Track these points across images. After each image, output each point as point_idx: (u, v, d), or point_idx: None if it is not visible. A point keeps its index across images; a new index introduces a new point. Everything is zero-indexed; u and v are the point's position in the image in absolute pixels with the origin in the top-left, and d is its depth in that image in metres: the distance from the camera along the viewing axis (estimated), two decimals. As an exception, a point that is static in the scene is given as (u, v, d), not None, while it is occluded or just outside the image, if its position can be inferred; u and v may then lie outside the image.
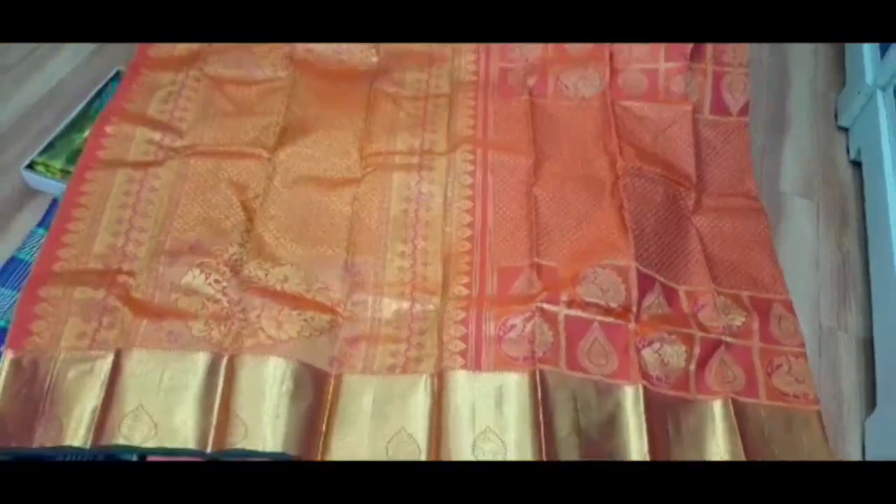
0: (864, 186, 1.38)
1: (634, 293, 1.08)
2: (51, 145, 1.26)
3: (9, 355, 0.96)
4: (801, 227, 1.36)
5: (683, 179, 1.28)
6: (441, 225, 1.18)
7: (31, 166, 1.24)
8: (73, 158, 1.23)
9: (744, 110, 1.39)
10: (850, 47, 1.65)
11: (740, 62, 1.42)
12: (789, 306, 1.15)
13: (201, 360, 0.99)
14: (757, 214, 1.27)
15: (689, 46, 1.40)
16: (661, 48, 1.40)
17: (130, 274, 1.07)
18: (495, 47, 1.44)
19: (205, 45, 1.41)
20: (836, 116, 1.57)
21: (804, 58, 1.71)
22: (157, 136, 1.25)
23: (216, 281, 1.07)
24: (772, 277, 1.19)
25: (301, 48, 1.41)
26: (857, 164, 1.45)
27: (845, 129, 1.54)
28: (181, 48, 1.41)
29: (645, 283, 1.11)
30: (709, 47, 1.41)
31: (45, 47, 1.51)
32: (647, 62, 1.41)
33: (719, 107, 1.39)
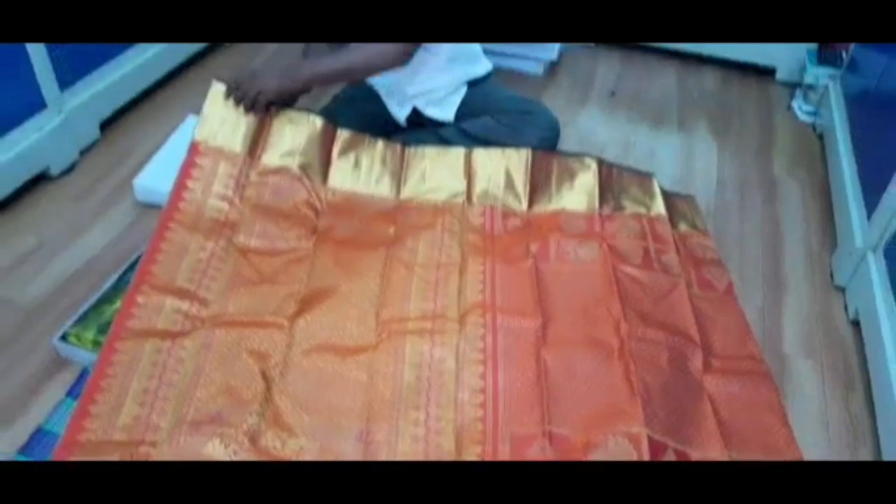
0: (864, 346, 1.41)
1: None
2: (83, 317, 1.33)
3: (28, 533, 0.97)
4: (806, 387, 1.37)
5: (688, 341, 1.31)
6: (454, 391, 1.21)
7: (63, 337, 1.30)
8: (104, 329, 1.29)
9: (728, 289, 1.48)
10: (838, 209, 1.73)
11: (711, 258, 1.55)
12: (803, 471, 1.15)
13: (217, 535, 0.99)
14: (764, 377, 1.29)
15: (668, 231, 1.53)
16: (647, 233, 1.52)
17: (153, 444, 1.09)
18: (500, 245, 1.51)
19: (232, 214, 1.45)
20: (831, 276, 1.61)
21: (795, 219, 1.79)
22: (184, 305, 1.29)
23: (235, 452, 1.09)
24: (785, 442, 1.18)
25: (324, 220, 1.51)
26: (857, 324, 1.48)
27: (842, 289, 1.57)
28: (206, 220, 1.43)
29: (657, 450, 1.11)
30: (681, 249, 1.54)
31: (80, 222, 1.60)
32: (636, 239, 1.52)
33: (705, 283, 1.48)
